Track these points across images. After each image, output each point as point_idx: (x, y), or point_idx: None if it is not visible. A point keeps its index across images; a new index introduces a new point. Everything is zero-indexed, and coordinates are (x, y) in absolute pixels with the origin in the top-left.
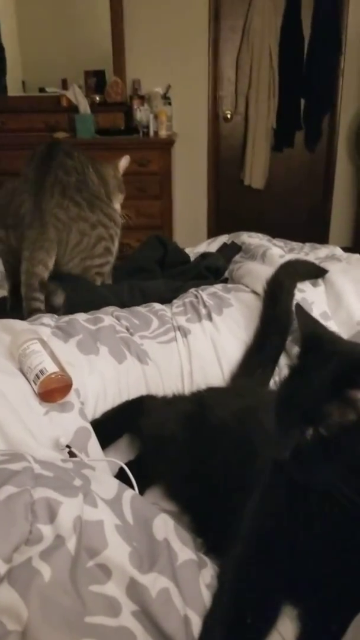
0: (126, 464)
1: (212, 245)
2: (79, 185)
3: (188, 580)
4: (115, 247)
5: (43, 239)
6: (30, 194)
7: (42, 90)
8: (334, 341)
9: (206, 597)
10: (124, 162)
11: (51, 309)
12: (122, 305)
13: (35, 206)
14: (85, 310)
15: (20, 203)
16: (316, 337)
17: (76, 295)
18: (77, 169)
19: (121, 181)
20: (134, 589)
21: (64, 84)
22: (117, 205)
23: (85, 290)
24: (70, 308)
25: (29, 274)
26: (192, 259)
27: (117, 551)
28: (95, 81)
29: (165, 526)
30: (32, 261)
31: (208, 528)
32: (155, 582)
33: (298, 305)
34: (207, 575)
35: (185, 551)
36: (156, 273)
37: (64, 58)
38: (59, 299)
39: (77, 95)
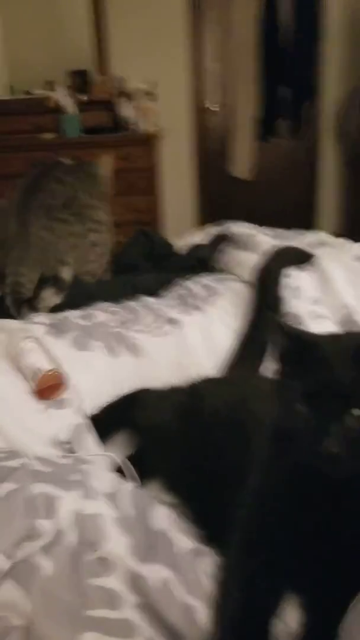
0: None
1: (200, 236)
2: (67, 203)
3: (188, 570)
4: (108, 249)
5: (27, 257)
6: (15, 217)
7: (28, 93)
8: (320, 336)
9: (208, 585)
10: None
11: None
12: (114, 300)
13: (19, 228)
14: (77, 305)
15: (6, 225)
16: (301, 337)
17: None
18: (66, 193)
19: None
20: (135, 581)
21: (50, 86)
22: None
23: (74, 286)
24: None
25: (13, 284)
26: (180, 250)
27: (117, 544)
28: (80, 81)
29: (164, 518)
30: (16, 273)
31: (207, 519)
32: (155, 573)
33: (269, 312)
34: (207, 564)
35: (184, 541)
36: (145, 267)
37: (47, 60)
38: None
39: (62, 96)
